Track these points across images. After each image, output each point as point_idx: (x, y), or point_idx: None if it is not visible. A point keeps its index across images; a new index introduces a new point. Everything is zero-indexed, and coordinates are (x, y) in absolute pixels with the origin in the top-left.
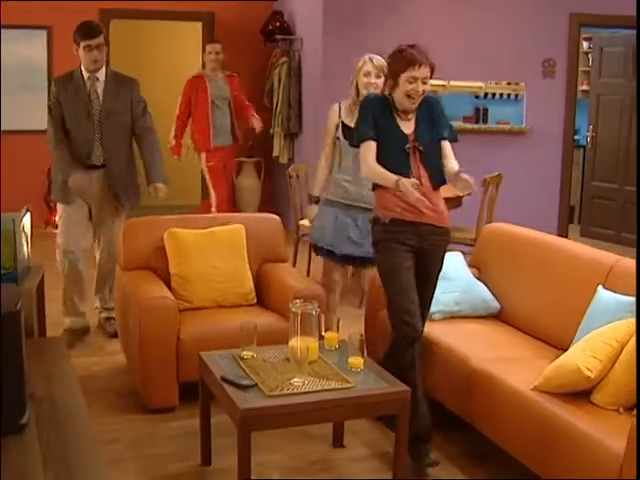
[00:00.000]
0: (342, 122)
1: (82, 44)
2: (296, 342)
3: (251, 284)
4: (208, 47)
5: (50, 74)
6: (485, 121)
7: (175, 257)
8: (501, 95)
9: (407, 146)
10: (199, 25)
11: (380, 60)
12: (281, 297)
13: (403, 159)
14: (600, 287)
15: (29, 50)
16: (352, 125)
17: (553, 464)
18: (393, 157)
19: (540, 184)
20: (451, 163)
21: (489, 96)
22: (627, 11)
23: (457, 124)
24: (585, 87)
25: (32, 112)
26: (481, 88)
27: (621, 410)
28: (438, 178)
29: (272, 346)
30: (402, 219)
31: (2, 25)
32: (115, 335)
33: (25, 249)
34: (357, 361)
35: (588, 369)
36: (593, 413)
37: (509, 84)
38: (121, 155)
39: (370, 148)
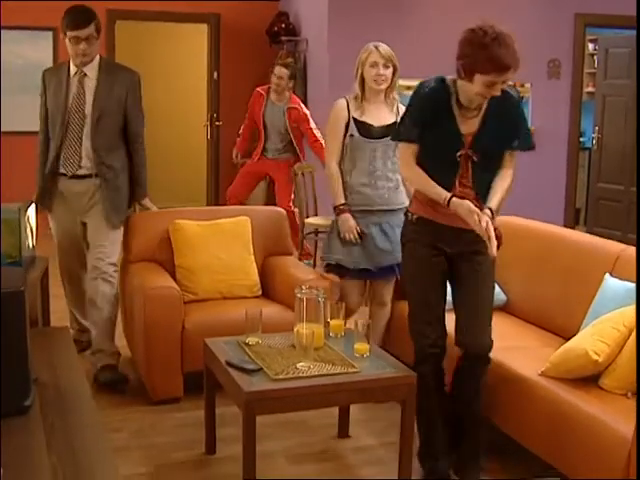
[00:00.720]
0: (353, 118)
1: (68, 34)
2: (301, 328)
3: (256, 276)
4: (275, 68)
5: None
6: None
7: (180, 249)
8: None
9: (459, 153)
10: (204, 27)
11: (387, 49)
12: (286, 289)
13: (449, 167)
14: (607, 275)
15: (35, 52)
16: (365, 119)
17: (563, 450)
18: (437, 162)
19: (546, 186)
20: (496, 197)
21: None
22: (632, 11)
23: None
24: (591, 89)
25: (37, 114)
26: None
27: (629, 394)
28: (486, 197)
29: (277, 333)
30: (433, 220)
31: (8, 27)
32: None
33: (30, 240)
34: (363, 347)
35: (596, 353)
36: (601, 398)
37: (514, 86)
38: (116, 164)
39: (409, 151)
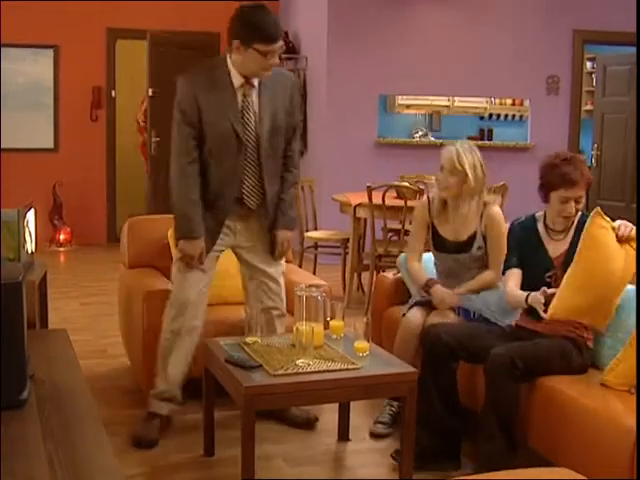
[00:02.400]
0: (432, 224)
1: (258, 47)
2: (301, 326)
3: None
4: None
5: (57, 93)
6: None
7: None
8: (506, 116)
9: (548, 274)
10: (205, 45)
11: (453, 154)
12: (286, 294)
13: (542, 287)
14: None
15: (36, 69)
16: (442, 232)
17: (564, 445)
18: (531, 284)
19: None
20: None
21: (494, 117)
22: (631, 28)
23: None
24: (589, 107)
25: (39, 130)
26: (485, 109)
27: (632, 390)
28: None
29: (277, 334)
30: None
31: (9, 44)
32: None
33: (29, 245)
34: (363, 346)
35: None
36: (604, 393)
37: (513, 104)
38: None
39: (513, 276)
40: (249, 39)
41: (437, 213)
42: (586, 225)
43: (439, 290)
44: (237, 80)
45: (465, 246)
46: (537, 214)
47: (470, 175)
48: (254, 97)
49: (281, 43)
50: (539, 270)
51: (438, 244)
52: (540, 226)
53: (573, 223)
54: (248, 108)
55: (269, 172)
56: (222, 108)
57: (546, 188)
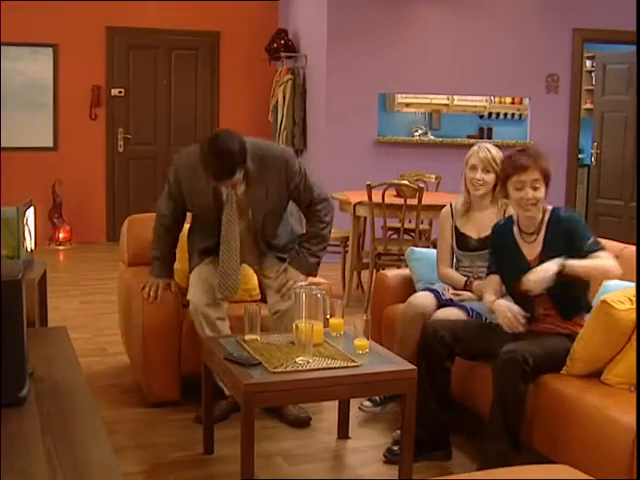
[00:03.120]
0: (455, 227)
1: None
2: (301, 324)
3: (255, 280)
4: None
5: (56, 92)
6: (490, 140)
7: (179, 252)
8: (505, 115)
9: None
10: (204, 44)
11: (489, 151)
12: None
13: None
14: None
15: (35, 68)
16: (465, 230)
17: (564, 443)
18: (508, 287)
19: (545, 202)
20: (582, 262)
21: (493, 116)
22: (630, 26)
23: (461, 140)
24: (589, 105)
25: (38, 129)
26: (485, 108)
27: (632, 388)
28: (570, 309)
29: (276, 333)
30: None
31: (8, 43)
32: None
33: (28, 242)
34: (363, 343)
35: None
36: (604, 391)
37: (513, 103)
38: None
39: (490, 282)
40: (205, 170)
41: (460, 216)
42: (593, 315)
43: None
44: None
45: (489, 242)
46: (514, 216)
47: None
48: (241, 188)
49: (232, 180)
50: (516, 273)
51: (462, 244)
52: (515, 228)
53: (542, 222)
54: (232, 198)
55: (266, 237)
56: (206, 195)
57: (503, 181)
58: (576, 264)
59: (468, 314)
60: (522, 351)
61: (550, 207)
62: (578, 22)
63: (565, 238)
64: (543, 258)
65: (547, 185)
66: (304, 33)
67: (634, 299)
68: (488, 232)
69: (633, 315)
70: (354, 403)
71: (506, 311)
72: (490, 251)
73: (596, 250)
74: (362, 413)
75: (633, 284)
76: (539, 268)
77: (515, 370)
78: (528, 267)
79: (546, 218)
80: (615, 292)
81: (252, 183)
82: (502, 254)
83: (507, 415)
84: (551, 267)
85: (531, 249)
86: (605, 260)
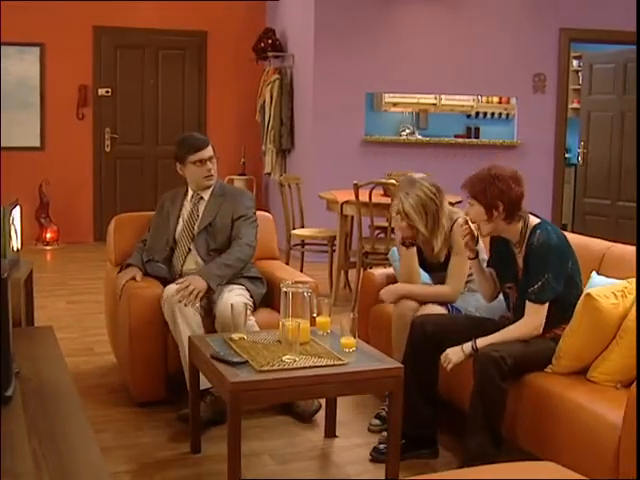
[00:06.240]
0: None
1: (191, 158)
2: (287, 322)
3: None
4: None
5: (43, 91)
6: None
7: None
8: (492, 114)
9: (509, 285)
10: (191, 43)
11: (397, 206)
12: (272, 291)
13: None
14: (594, 273)
15: (22, 67)
16: (425, 255)
17: (551, 440)
18: (505, 290)
19: (532, 201)
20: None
21: (480, 115)
22: (617, 26)
23: (448, 140)
24: (576, 105)
25: (25, 129)
26: (472, 107)
27: (618, 385)
28: (557, 316)
29: (263, 330)
30: None
31: None
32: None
33: (14, 242)
34: (350, 342)
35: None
36: (590, 388)
37: (500, 102)
38: None
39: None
40: (183, 155)
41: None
42: (578, 309)
43: None
44: (189, 194)
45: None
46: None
47: (421, 227)
48: (202, 207)
49: (210, 150)
50: (508, 278)
51: (426, 266)
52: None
53: (524, 237)
54: (192, 214)
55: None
56: (173, 213)
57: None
58: (488, 340)
59: (448, 310)
60: (501, 351)
61: (536, 222)
62: (565, 22)
63: (534, 262)
64: (523, 274)
65: (484, 205)
66: (291, 33)
67: (619, 295)
68: (443, 256)
69: (618, 310)
70: (341, 402)
71: None
72: (490, 248)
73: (530, 300)
74: (349, 412)
75: (618, 281)
76: (457, 349)
77: (493, 369)
78: (517, 275)
79: (527, 234)
80: (599, 287)
81: (210, 204)
82: (501, 255)
83: (487, 411)
84: (463, 352)
85: (519, 259)
86: (520, 323)
